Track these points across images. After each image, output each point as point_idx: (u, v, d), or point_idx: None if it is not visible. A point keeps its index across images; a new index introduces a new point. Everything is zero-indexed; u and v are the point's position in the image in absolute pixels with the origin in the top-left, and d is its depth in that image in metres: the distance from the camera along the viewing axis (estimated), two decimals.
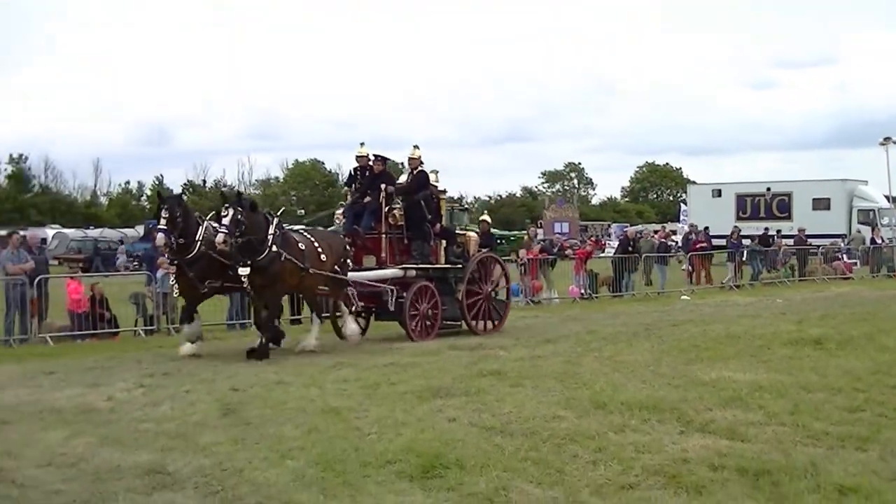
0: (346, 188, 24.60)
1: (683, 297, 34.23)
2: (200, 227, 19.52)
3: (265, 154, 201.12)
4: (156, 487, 9.43)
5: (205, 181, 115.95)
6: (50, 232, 72.40)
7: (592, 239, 59.73)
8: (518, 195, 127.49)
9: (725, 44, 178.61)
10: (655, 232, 48.34)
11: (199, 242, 19.20)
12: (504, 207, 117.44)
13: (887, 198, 60.55)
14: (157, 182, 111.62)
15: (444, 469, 9.66)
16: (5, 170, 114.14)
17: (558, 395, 13.62)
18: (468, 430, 11.49)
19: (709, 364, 16.33)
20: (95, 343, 21.89)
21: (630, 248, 36.48)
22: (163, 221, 18.83)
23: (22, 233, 27.77)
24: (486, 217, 30.64)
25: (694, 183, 79.26)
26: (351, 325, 20.85)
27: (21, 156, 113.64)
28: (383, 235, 21.94)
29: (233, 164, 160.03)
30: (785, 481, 9.08)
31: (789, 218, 55.72)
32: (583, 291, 33.73)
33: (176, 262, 19.58)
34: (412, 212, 22.05)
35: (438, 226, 22.75)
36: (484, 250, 24.55)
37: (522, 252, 33.60)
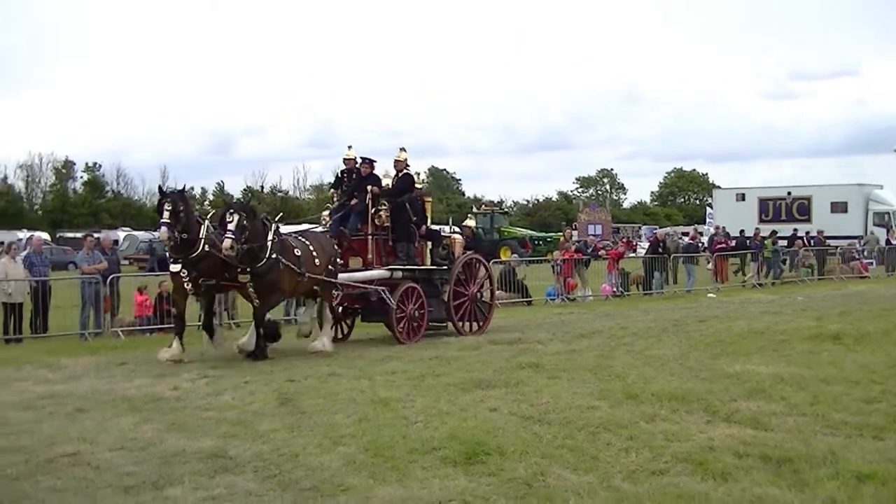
0: (332, 190, 23.51)
1: (709, 294, 34.01)
2: (202, 227, 18.17)
3: (319, 161, 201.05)
4: (218, 471, 9.47)
5: (262, 187, 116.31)
6: (121, 234, 72.81)
7: (624, 240, 59.38)
8: (554, 199, 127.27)
9: (749, 57, 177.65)
10: (685, 234, 48.14)
11: (202, 241, 17.92)
12: (541, 211, 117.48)
13: None
14: (218, 188, 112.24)
15: (485, 455, 9.65)
16: (82, 177, 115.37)
17: (592, 387, 13.59)
18: (508, 419, 11.48)
19: (733, 358, 16.24)
20: (162, 337, 21.94)
21: (660, 249, 36.30)
22: (165, 215, 17.42)
23: (96, 235, 28.04)
24: (469, 221, 29.16)
25: (719, 187, 78.85)
26: (325, 340, 19.18)
27: (96, 164, 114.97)
28: (369, 237, 21.05)
29: (289, 170, 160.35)
30: (805, 468, 9.00)
31: (809, 220, 55.41)
32: (615, 289, 33.62)
33: (179, 260, 17.94)
34: (398, 214, 21.20)
35: (424, 227, 21.99)
36: (469, 252, 23.54)
37: (557, 253, 33.49)
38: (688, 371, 14.95)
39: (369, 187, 21.01)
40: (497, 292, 29.57)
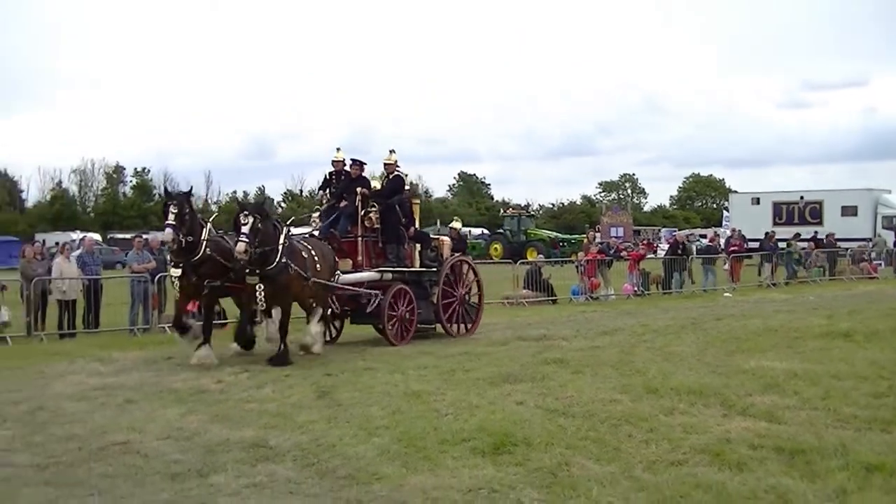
0: (320, 192, 22.21)
1: (726, 294, 33.90)
2: (204, 229, 17.21)
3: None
4: (259, 459, 9.52)
5: (301, 190, 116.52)
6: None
7: (645, 242, 59.19)
8: (578, 203, 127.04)
9: (764, 68, 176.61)
10: (702, 236, 48.01)
11: (204, 243, 17.04)
12: (566, 214, 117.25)
13: None
14: (259, 191, 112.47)
15: (512, 446, 9.66)
16: (131, 181, 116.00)
17: (614, 382, 13.57)
18: (534, 412, 11.47)
19: (749, 354, 16.20)
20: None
21: (679, 251, 36.19)
22: (171, 217, 16.49)
23: (145, 236, 28.12)
24: (455, 223, 28.12)
25: (735, 192, 78.42)
26: (315, 329, 17.88)
27: (144, 169, 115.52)
28: (359, 239, 19.93)
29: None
30: (817, 460, 8.98)
31: (820, 223, 55.15)
32: (636, 289, 33.54)
33: (180, 264, 17.04)
34: (387, 215, 20.15)
35: (413, 229, 21.00)
36: (457, 254, 22.74)
37: (581, 254, 33.42)
38: (705, 367, 14.91)
39: (359, 189, 20.04)
40: (524, 291, 29.63)
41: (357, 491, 8.39)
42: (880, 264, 45.17)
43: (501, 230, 68.17)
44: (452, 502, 8.00)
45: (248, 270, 16.60)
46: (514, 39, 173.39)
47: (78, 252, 26.61)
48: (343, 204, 20.10)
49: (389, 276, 20.06)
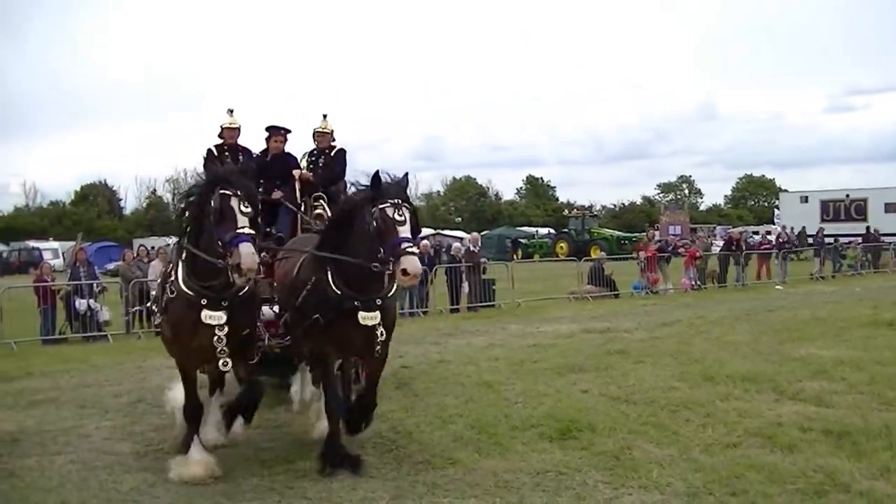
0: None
1: (777, 287, 33.54)
2: None
3: (428, 172, 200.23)
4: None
5: None
6: None
7: (700, 238, 58.78)
8: (638, 203, 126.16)
9: (810, 74, 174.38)
10: (755, 233, 47.58)
11: None
12: (626, 214, 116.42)
13: None
14: None
15: (578, 432, 9.67)
16: None
17: (673, 370, 13.51)
18: (598, 400, 11.47)
19: (799, 343, 16.06)
20: None
21: (733, 248, 35.87)
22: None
23: None
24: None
25: (785, 191, 77.51)
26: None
27: None
28: None
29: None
30: (863, 441, 8.89)
31: (865, 220, 54.42)
32: (693, 283, 33.27)
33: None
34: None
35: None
36: None
37: (641, 254, 33.22)
38: (758, 355, 14.79)
39: (296, 172, 12.56)
40: (588, 287, 29.55)
41: (433, 475, 8.44)
42: None
43: (567, 230, 67.79)
44: (522, 484, 8.03)
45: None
46: (578, 54, 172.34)
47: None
48: (278, 195, 12.16)
49: None
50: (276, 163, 12.60)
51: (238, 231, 7.70)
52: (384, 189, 8.22)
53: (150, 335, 21.95)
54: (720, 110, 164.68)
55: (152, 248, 27.41)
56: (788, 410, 10.52)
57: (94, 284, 23.22)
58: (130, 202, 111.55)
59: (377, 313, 8.58)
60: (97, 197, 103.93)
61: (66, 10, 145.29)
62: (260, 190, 10.67)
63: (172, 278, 8.60)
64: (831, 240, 42.48)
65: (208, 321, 8.23)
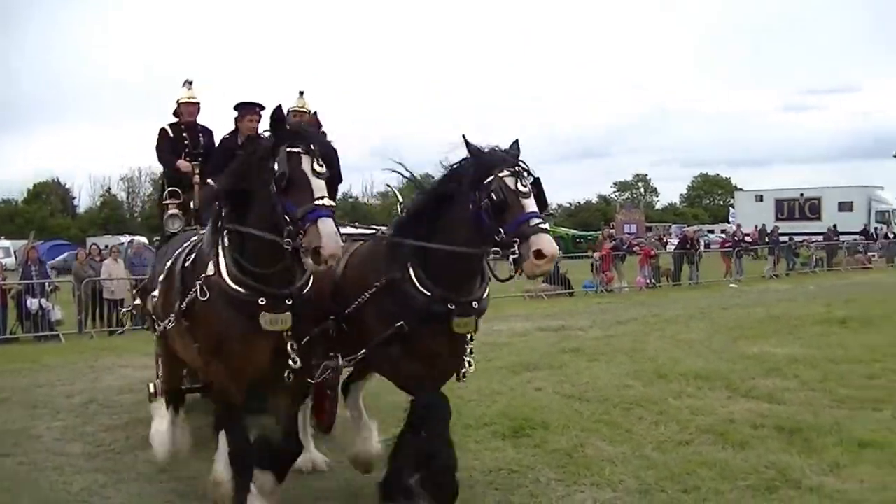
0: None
1: (731, 285, 33.84)
2: None
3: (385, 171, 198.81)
4: None
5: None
6: None
7: (655, 238, 59.10)
8: (594, 202, 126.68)
9: (766, 74, 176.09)
10: (710, 231, 48.05)
11: None
12: (582, 212, 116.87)
13: None
14: None
15: (531, 430, 9.71)
16: None
17: (627, 368, 13.61)
18: (552, 398, 11.53)
19: (752, 341, 16.24)
20: None
21: (688, 246, 36.16)
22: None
23: None
24: None
25: (741, 190, 78.26)
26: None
27: None
28: None
29: (357, 180, 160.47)
30: (814, 437, 9.02)
31: (819, 219, 55.17)
32: (648, 281, 33.48)
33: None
34: None
35: None
36: None
37: (597, 254, 33.39)
38: (712, 353, 14.93)
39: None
40: (542, 285, 29.59)
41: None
42: (874, 255, 45.15)
43: None
44: (475, 483, 8.04)
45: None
46: (520, 42, 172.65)
47: (128, 254, 26.91)
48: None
49: None
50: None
51: (315, 203, 5.73)
52: (498, 156, 6.57)
53: (104, 335, 21.92)
54: (677, 108, 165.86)
55: (105, 247, 27.14)
56: (741, 408, 10.63)
57: (46, 284, 22.99)
58: (84, 201, 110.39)
59: (473, 319, 7.03)
60: (50, 195, 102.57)
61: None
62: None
63: (208, 273, 6.45)
64: (786, 238, 42.99)
65: (270, 327, 6.27)
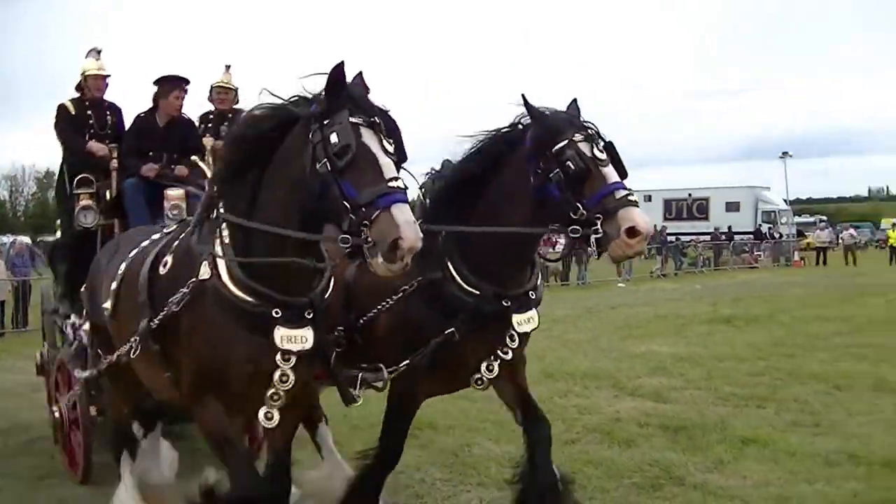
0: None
1: (619, 284, 34.25)
2: None
3: None
4: None
5: None
6: None
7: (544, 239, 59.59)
8: None
9: (653, 77, 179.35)
10: None
11: None
12: None
13: (785, 201, 61.53)
14: None
15: (418, 430, 9.57)
16: None
17: None
18: (438, 398, 11.45)
19: (639, 340, 16.47)
20: None
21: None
22: None
23: None
24: None
25: None
26: None
27: None
28: None
29: None
30: (698, 435, 9.17)
31: (707, 219, 56.14)
32: None
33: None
34: None
35: None
36: None
37: None
38: (599, 352, 15.09)
39: (208, 141, 9.54)
40: None
41: None
42: (760, 255, 46.15)
43: None
44: None
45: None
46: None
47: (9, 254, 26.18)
48: (175, 169, 8.76)
49: None
50: (174, 129, 8.95)
51: (389, 186, 4.33)
52: (564, 117, 5.48)
53: None
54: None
55: None
56: (627, 406, 10.76)
57: None
58: None
59: (534, 313, 5.93)
60: None
61: None
62: (155, 166, 8.54)
63: (201, 276, 4.86)
64: (673, 238, 43.71)
65: (287, 345, 4.80)
